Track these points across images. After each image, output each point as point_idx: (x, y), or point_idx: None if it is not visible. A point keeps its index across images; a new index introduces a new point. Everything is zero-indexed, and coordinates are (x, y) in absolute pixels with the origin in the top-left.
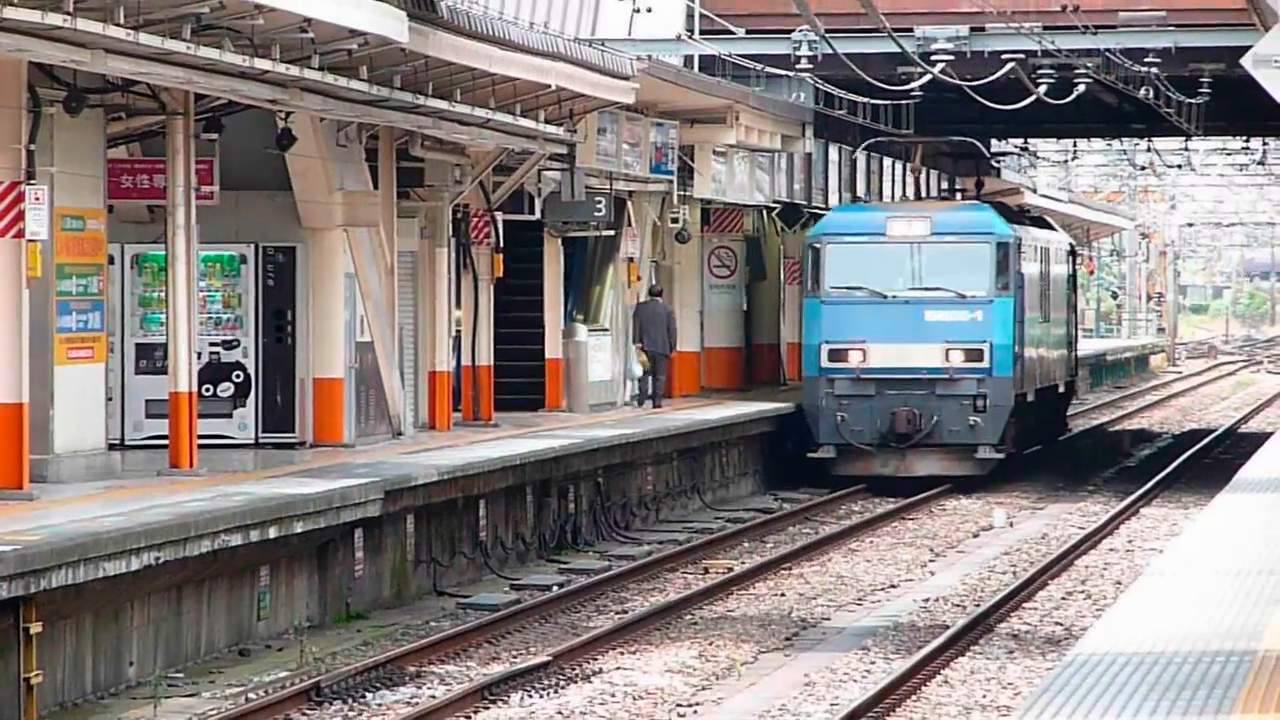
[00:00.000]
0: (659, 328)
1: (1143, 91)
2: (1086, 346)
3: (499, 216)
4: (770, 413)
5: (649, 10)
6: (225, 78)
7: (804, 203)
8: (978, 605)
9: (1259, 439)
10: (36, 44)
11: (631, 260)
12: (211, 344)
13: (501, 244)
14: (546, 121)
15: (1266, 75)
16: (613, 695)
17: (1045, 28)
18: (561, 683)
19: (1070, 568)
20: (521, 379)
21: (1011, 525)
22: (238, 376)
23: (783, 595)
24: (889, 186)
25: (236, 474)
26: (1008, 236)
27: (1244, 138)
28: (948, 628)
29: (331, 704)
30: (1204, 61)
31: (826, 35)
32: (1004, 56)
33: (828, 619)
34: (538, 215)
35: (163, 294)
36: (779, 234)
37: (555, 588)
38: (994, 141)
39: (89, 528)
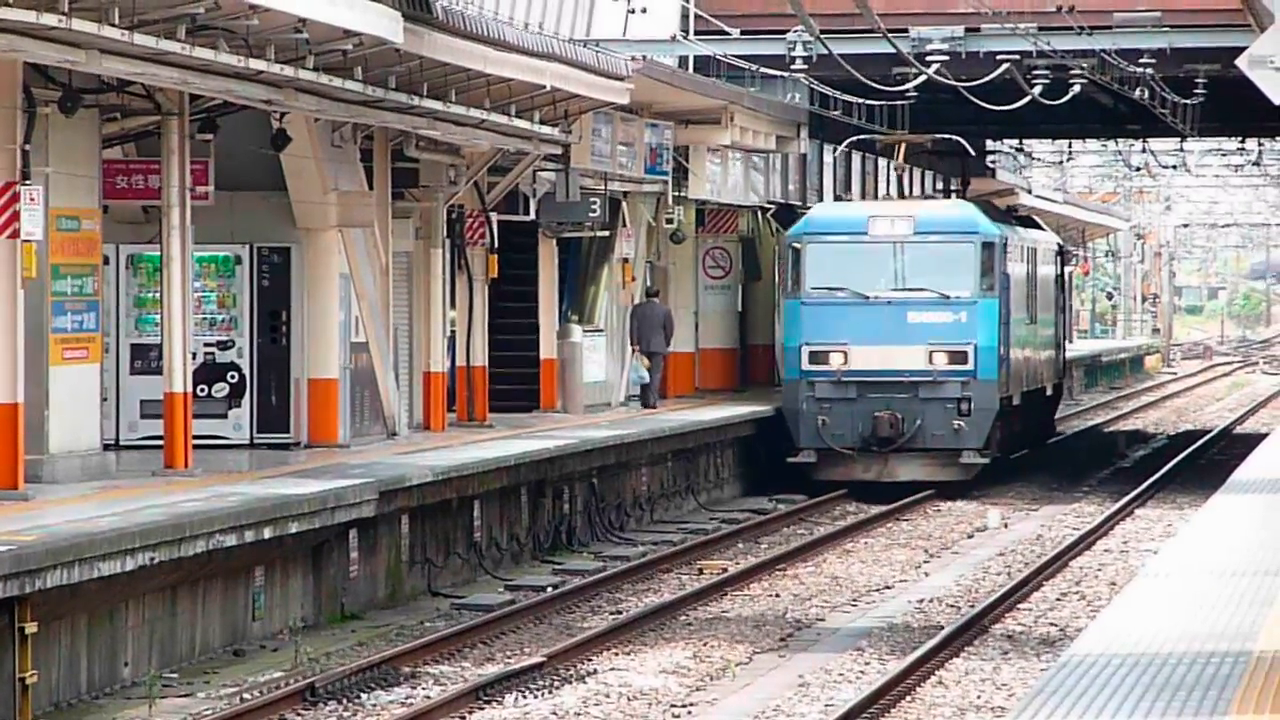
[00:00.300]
0: (655, 328)
1: (1138, 92)
2: (1082, 347)
3: (494, 217)
4: (768, 414)
5: (644, 11)
6: (220, 78)
7: (799, 203)
8: (972, 606)
9: (1254, 440)
10: (31, 44)
11: (626, 261)
12: (206, 344)
13: (496, 244)
14: (541, 122)
15: (1262, 76)
16: (607, 696)
17: (1040, 28)
18: (556, 683)
19: (1065, 569)
20: (516, 380)
21: (1006, 526)
22: (233, 377)
23: (777, 596)
24: (884, 187)
25: (231, 474)
26: (993, 236)
27: (1239, 139)
28: (942, 628)
29: (326, 704)
30: (1199, 62)
31: (821, 36)
32: (999, 57)
33: (822, 620)
34: (532, 216)
35: (158, 294)
36: (774, 235)
37: (550, 588)
38: (988, 142)
39: (84, 528)
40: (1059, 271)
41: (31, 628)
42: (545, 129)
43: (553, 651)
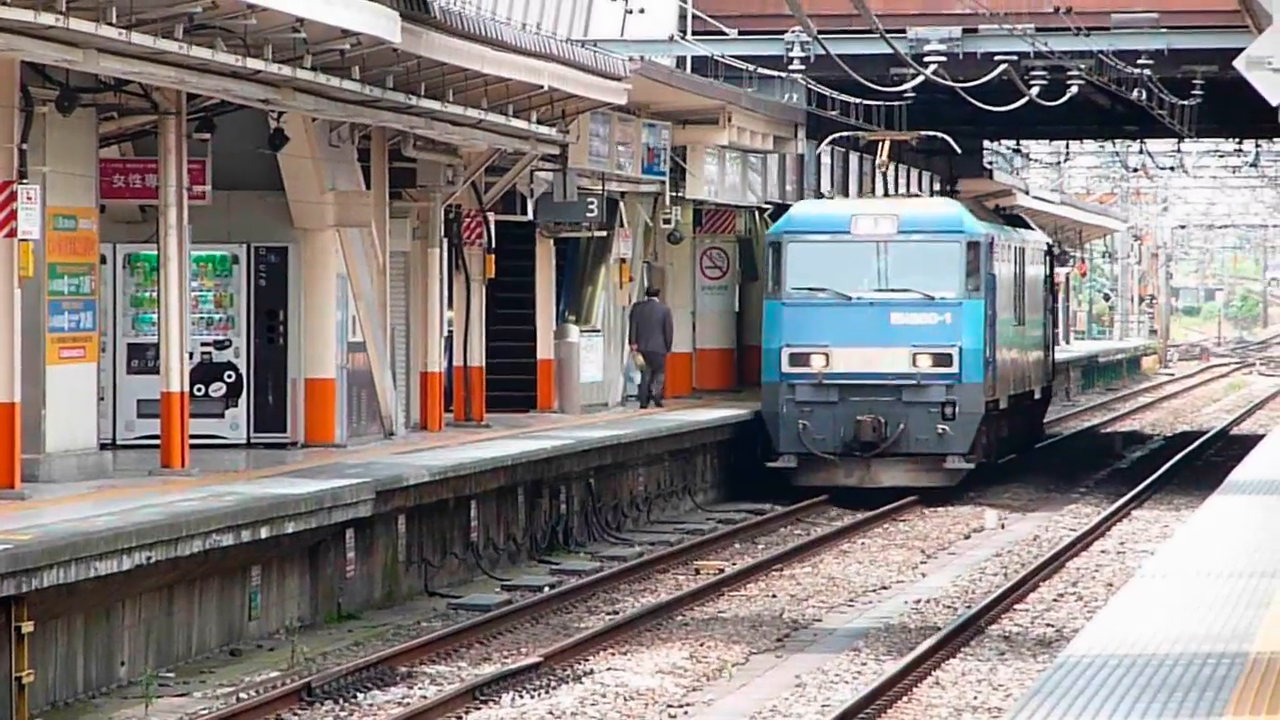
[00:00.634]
0: (654, 328)
1: (1135, 93)
2: (1079, 348)
3: (491, 217)
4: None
5: (641, 11)
6: (217, 77)
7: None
8: (969, 607)
9: (1251, 441)
10: (29, 43)
11: (624, 261)
12: (203, 344)
13: (493, 244)
14: (539, 122)
15: (1259, 77)
16: (604, 696)
17: (1038, 29)
18: (552, 683)
19: (1061, 569)
20: (513, 380)
21: (1003, 527)
22: (229, 376)
23: (774, 596)
24: (881, 187)
25: (228, 474)
26: (978, 235)
27: (1236, 140)
28: (939, 629)
29: (322, 704)
30: (1197, 63)
31: (819, 36)
32: (997, 58)
33: (819, 620)
34: (530, 216)
35: (154, 294)
36: None
37: (546, 588)
38: (985, 142)
39: (80, 527)
40: (1048, 272)
41: (28, 627)
42: (543, 129)
43: (549, 652)
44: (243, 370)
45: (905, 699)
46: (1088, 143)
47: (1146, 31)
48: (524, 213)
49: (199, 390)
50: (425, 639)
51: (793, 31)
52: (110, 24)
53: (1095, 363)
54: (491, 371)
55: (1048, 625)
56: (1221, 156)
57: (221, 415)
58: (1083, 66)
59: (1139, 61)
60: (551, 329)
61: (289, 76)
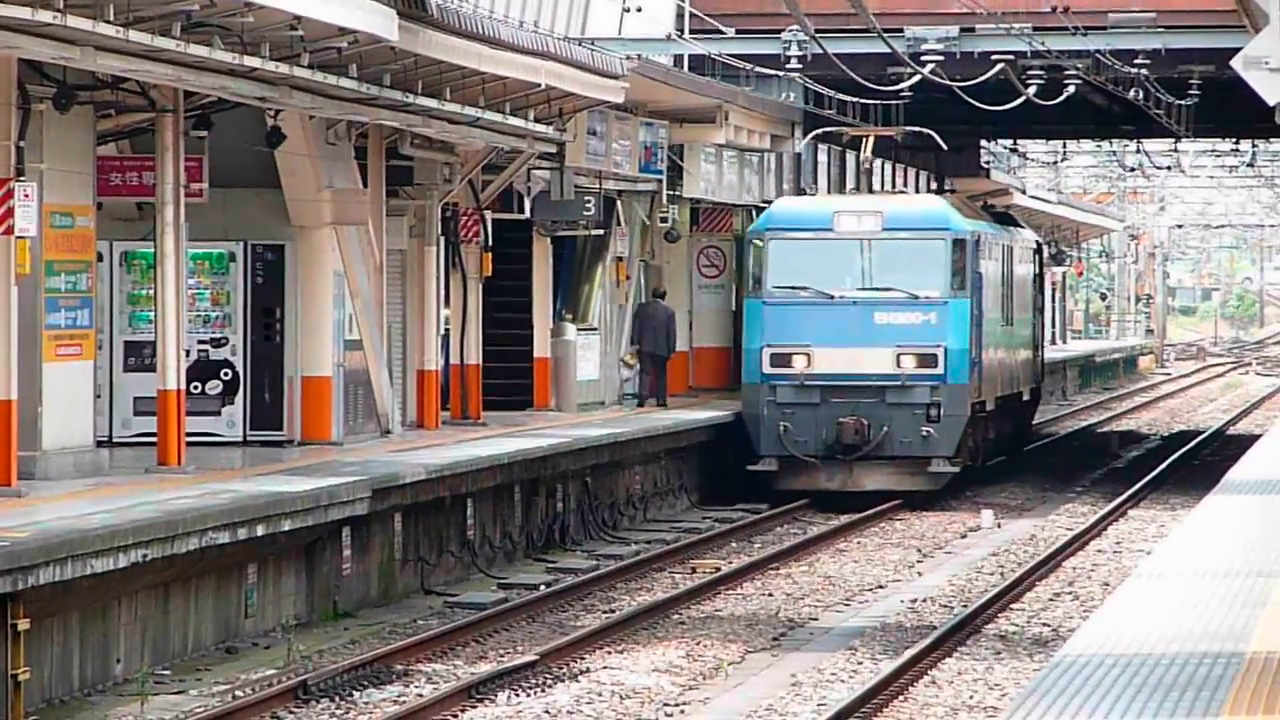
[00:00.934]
0: (659, 329)
1: (1132, 93)
2: (1076, 348)
3: (488, 215)
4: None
5: (639, 9)
6: (215, 75)
7: None
8: (965, 606)
9: (1247, 441)
10: (26, 40)
11: (620, 260)
12: (200, 341)
13: (490, 243)
14: (536, 120)
15: (1257, 77)
16: (600, 694)
17: (1035, 29)
18: (549, 682)
19: (1058, 569)
20: (510, 378)
21: (999, 526)
22: (226, 374)
23: (770, 595)
24: (870, 184)
25: (224, 472)
26: (964, 232)
27: (1233, 140)
28: (935, 628)
29: (319, 702)
30: (1193, 63)
31: (816, 35)
32: (994, 57)
33: (815, 619)
34: (527, 214)
35: (151, 291)
36: None
37: (543, 587)
38: (981, 141)
39: (77, 525)
40: (1037, 270)
41: (24, 624)
42: (540, 127)
43: (546, 650)
44: (239, 368)
45: (901, 698)
46: (1085, 142)
47: (1143, 31)
48: (521, 211)
49: (195, 388)
50: (421, 637)
51: (790, 30)
52: (108, 21)
53: (1092, 362)
54: (488, 370)
55: (1044, 625)
56: (1218, 156)
57: (218, 413)
58: (1080, 66)
59: (1136, 61)
60: (548, 327)
61: (286, 74)
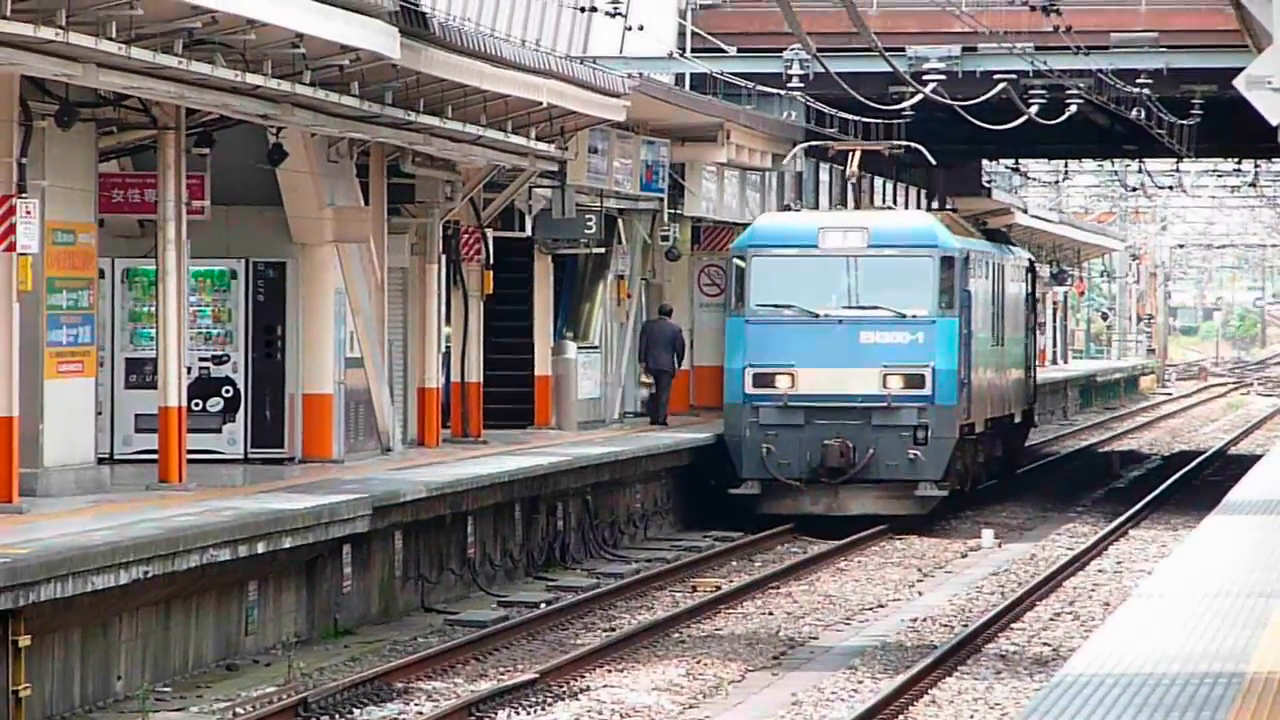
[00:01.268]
0: (664, 346)
1: (1134, 112)
2: (1077, 367)
3: (489, 233)
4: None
5: (641, 28)
6: (217, 93)
7: None
8: (966, 625)
9: (1249, 461)
10: (28, 57)
11: (622, 278)
12: (201, 359)
13: (492, 261)
14: (537, 138)
15: (1259, 97)
16: (600, 713)
17: (1037, 48)
18: (549, 700)
19: (1058, 589)
20: (511, 396)
21: (1000, 546)
22: (227, 391)
23: (771, 614)
24: (868, 202)
25: (225, 489)
26: (953, 249)
27: (1235, 159)
28: (935, 648)
29: (319, 719)
30: (1195, 83)
31: (818, 54)
32: (996, 76)
33: (815, 638)
34: (528, 232)
35: (153, 308)
36: None
37: (543, 605)
38: (984, 161)
39: (78, 541)
40: (1029, 289)
41: (25, 641)
42: (541, 145)
43: (546, 668)
44: (240, 385)
45: (902, 717)
46: (1086, 162)
47: (1146, 51)
48: (522, 229)
49: (197, 405)
50: (422, 655)
51: (792, 49)
52: (110, 39)
53: (1093, 382)
54: (489, 387)
55: (1044, 644)
56: (1220, 176)
57: (219, 430)
58: (1082, 85)
59: (1138, 81)
60: (549, 346)
61: (288, 92)
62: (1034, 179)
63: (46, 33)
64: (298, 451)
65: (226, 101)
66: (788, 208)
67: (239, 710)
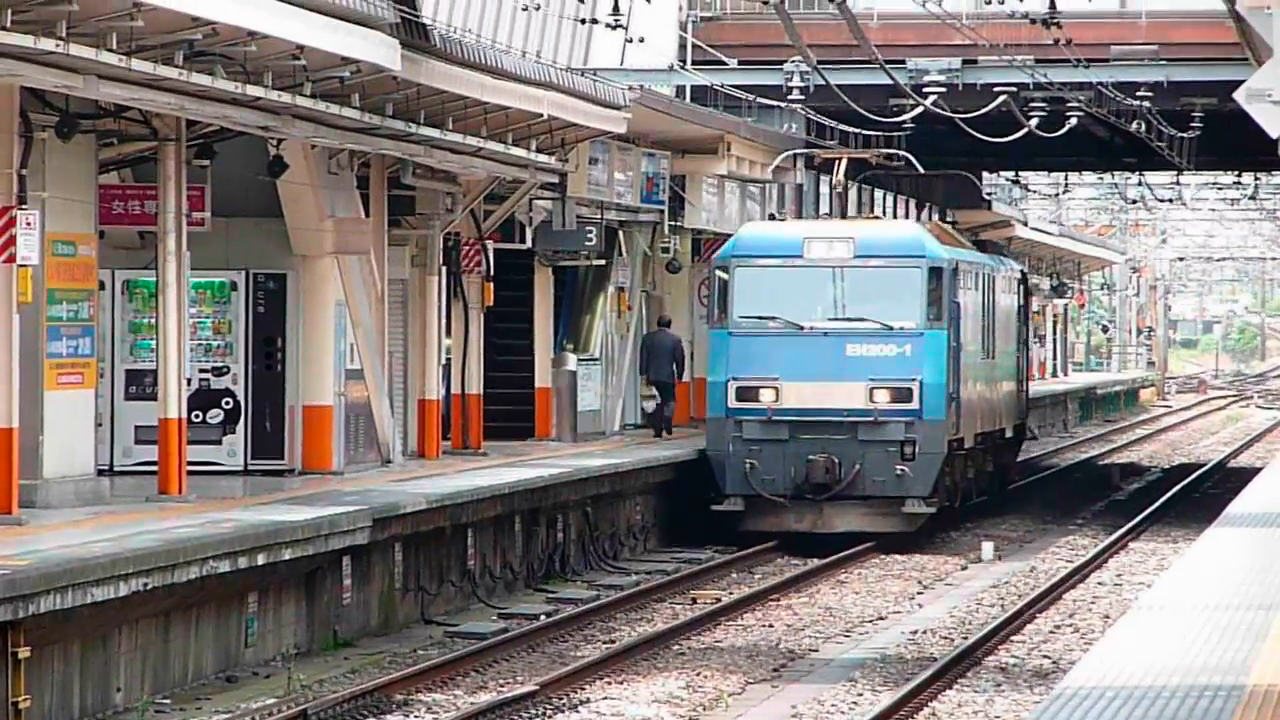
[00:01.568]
0: (665, 357)
1: (1134, 125)
2: (1077, 380)
3: (490, 245)
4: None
5: (641, 40)
6: (217, 104)
7: None
8: (965, 638)
9: (1248, 474)
10: (29, 69)
11: (622, 290)
12: (201, 370)
13: (492, 272)
14: (538, 150)
15: (1259, 110)
16: None
17: (1037, 61)
18: (549, 712)
19: (1058, 601)
20: (511, 408)
21: (1000, 558)
22: (227, 403)
23: (770, 626)
24: (883, 216)
25: (225, 500)
26: (941, 260)
27: (1235, 172)
28: (935, 660)
29: None
30: (1196, 96)
31: (818, 66)
32: (996, 89)
33: (815, 650)
34: (529, 244)
35: (153, 320)
36: None
37: (543, 617)
38: (984, 174)
39: (78, 553)
40: (1021, 301)
41: (24, 653)
42: (542, 157)
43: (546, 680)
44: (240, 397)
45: None
46: (1086, 174)
47: (1146, 64)
48: (523, 241)
49: (197, 417)
50: (421, 667)
51: (792, 61)
52: (110, 50)
53: (1093, 394)
54: (489, 399)
55: (1044, 657)
56: (1220, 189)
57: (219, 442)
58: (1082, 98)
59: (1138, 94)
60: (549, 357)
61: (288, 104)
62: (1034, 191)
63: (47, 44)
64: (298, 463)
65: (227, 113)
66: (772, 217)
67: None
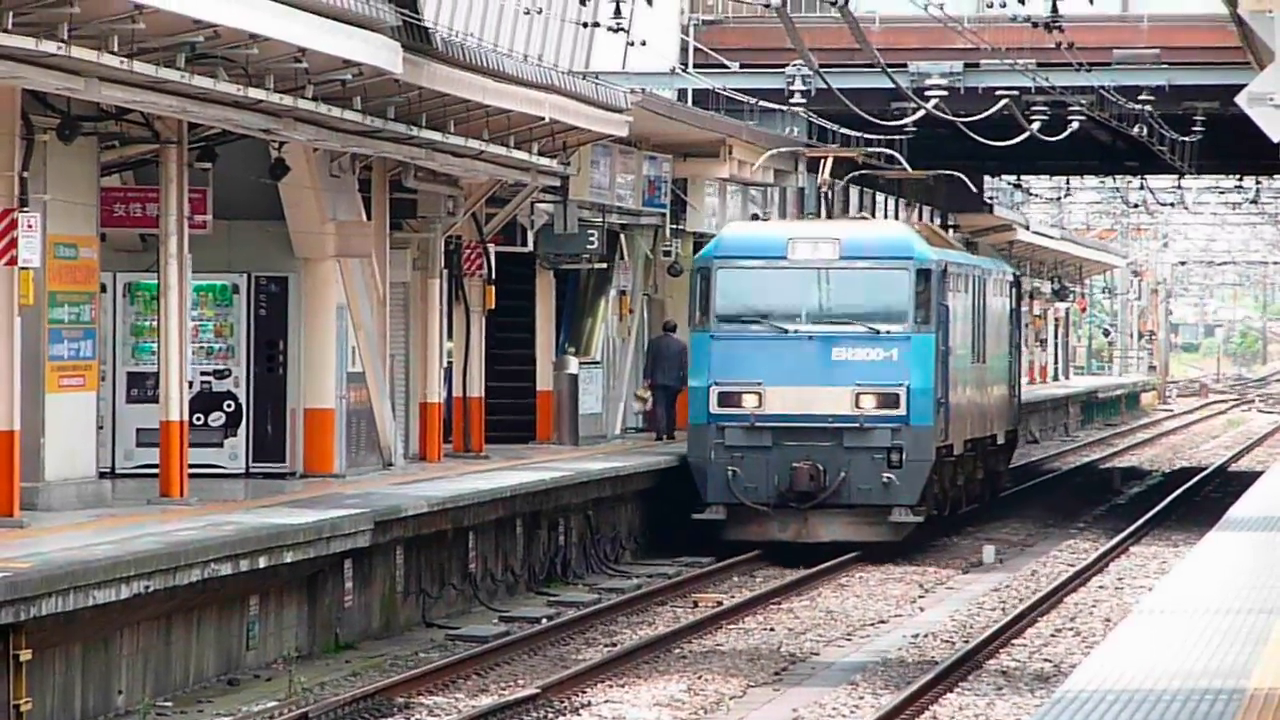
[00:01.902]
0: (672, 362)
1: (1136, 129)
2: (1078, 383)
3: (492, 248)
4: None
5: (643, 44)
6: (219, 107)
7: None
8: (967, 641)
9: (1249, 478)
10: (31, 71)
11: (624, 293)
12: (203, 373)
13: (494, 276)
14: (540, 154)
15: (1261, 114)
16: None
17: (1039, 64)
18: (550, 715)
19: (1059, 605)
20: (513, 411)
21: (1001, 562)
22: (229, 406)
23: (772, 630)
24: (885, 218)
25: (227, 503)
26: (929, 262)
27: (1237, 176)
28: (937, 664)
29: None
30: (1197, 99)
31: (820, 70)
32: (998, 93)
33: (817, 654)
34: (530, 247)
35: (155, 323)
36: None
37: (544, 620)
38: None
39: (79, 556)
40: (1014, 305)
41: (26, 655)
42: (544, 161)
43: (547, 683)
44: (242, 400)
45: None
46: (1088, 178)
47: (1148, 67)
48: (524, 244)
49: (198, 419)
50: (423, 670)
51: (794, 65)
52: (112, 53)
53: (1094, 398)
54: (491, 403)
55: (1045, 660)
56: (1222, 193)
57: (221, 445)
58: (1084, 102)
59: (1140, 97)
60: (551, 360)
61: (290, 106)
62: (1036, 195)
63: (48, 46)
64: (299, 466)
65: (228, 116)
66: (755, 217)
67: None
